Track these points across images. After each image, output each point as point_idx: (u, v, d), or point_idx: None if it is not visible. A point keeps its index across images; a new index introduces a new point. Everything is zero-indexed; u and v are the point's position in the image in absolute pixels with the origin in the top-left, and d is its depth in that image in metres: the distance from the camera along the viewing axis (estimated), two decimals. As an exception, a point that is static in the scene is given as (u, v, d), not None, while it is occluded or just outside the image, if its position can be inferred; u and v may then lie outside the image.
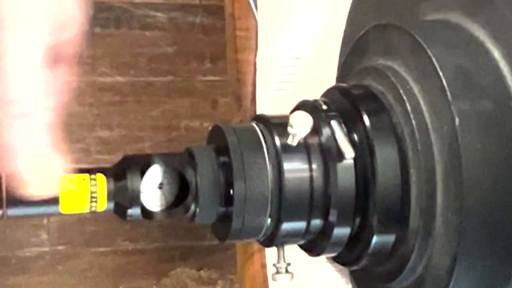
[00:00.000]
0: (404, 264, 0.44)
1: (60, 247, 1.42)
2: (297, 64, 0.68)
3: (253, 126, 0.45)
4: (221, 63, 1.46)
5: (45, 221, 1.38)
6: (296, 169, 0.44)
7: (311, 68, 0.67)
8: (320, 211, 0.44)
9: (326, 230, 0.45)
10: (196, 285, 1.43)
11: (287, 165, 0.44)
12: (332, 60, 0.60)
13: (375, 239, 0.44)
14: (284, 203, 0.44)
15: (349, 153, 0.43)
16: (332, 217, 0.44)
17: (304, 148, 0.44)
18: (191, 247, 1.46)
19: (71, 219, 1.38)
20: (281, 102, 0.67)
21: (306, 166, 0.44)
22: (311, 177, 0.44)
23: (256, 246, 0.66)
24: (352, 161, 0.44)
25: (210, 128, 0.46)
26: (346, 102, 0.46)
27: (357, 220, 0.44)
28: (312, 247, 0.47)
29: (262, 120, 0.46)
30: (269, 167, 0.44)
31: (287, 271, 0.46)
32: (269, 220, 0.44)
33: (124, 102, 1.47)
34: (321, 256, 0.47)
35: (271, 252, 0.57)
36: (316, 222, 0.45)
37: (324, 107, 0.46)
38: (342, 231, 0.45)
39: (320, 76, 0.62)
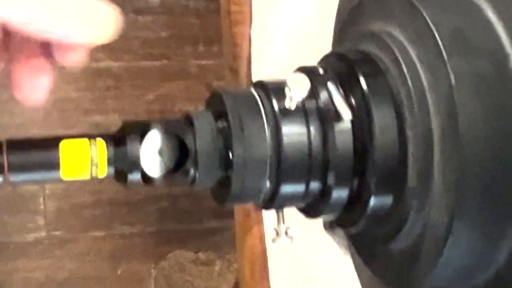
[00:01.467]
0: (402, 225, 0.45)
1: (57, 232, 1.43)
2: (292, 37, 0.69)
3: (251, 91, 0.46)
4: (215, 46, 1.46)
5: (42, 206, 1.38)
6: (294, 132, 0.45)
7: (306, 41, 0.68)
8: (318, 173, 0.45)
9: (325, 192, 0.45)
10: (194, 266, 1.44)
11: (285, 129, 0.44)
12: (328, 32, 0.60)
13: (373, 200, 0.45)
14: (283, 166, 0.44)
15: (346, 114, 0.44)
16: (331, 179, 0.45)
17: (302, 112, 0.45)
18: (189, 229, 1.46)
19: (68, 205, 1.38)
20: (276, 75, 0.68)
21: (304, 129, 0.45)
22: (309, 140, 0.44)
23: (255, 219, 0.67)
24: (349, 123, 0.44)
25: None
26: (343, 66, 0.46)
27: (355, 182, 0.45)
28: (311, 209, 0.47)
29: (260, 85, 0.46)
30: (267, 130, 0.44)
31: (287, 235, 0.46)
32: (268, 183, 0.45)
33: (119, 87, 1.48)
34: (319, 218, 0.48)
35: (269, 227, 0.58)
36: (315, 185, 0.45)
37: (321, 71, 0.46)
38: (340, 193, 0.45)
39: (316, 48, 0.63)
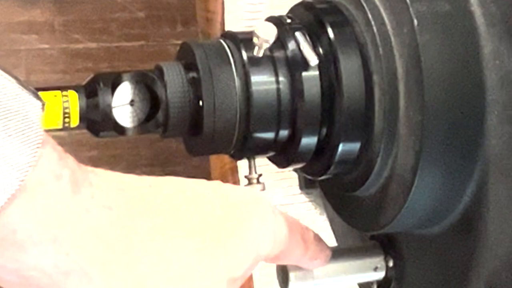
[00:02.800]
0: (370, 169, 0.46)
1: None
2: (264, 1, 0.69)
3: (220, 41, 0.46)
4: (193, 26, 1.46)
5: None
6: (263, 81, 0.45)
7: (279, 4, 0.68)
8: (287, 121, 0.46)
9: (294, 139, 0.46)
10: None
11: (254, 78, 0.45)
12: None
13: (341, 146, 0.46)
14: (252, 113, 0.45)
15: (313, 60, 0.44)
16: (299, 126, 0.45)
17: (270, 60, 0.45)
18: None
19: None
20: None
21: (272, 78, 0.45)
22: (277, 88, 0.45)
23: (229, 168, 0.68)
24: (317, 70, 0.45)
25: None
26: (310, 15, 0.47)
27: (323, 129, 0.46)
28: (281, 158, 0.48)
29: (229, 36, 0.47)
30: (236, 80, 0.45)
31: (258, 182, 0.47)
32: (237, 131, 0.45)
33: (98, 68, 1.48)
34: (289, 168, 0.49)
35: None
36: (284, 133, 0.46)
37: (289, 20, 0.47)
38: (309, 140, 0.46)
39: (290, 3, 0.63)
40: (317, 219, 0.68)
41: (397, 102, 0.44)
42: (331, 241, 0.60)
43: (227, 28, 0.67)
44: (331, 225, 0.59)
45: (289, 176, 0.67)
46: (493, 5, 0.42)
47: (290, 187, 0.67)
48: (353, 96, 0.45)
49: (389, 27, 0.44)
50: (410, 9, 0.42)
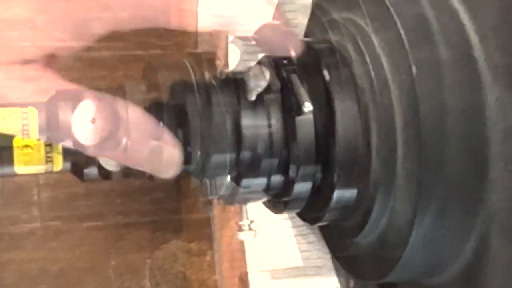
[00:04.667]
0: (367, 218, 0.44)
1: (52, 223, 1.42)
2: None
3: (212, 82, 0.45)
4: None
5: (36, 197, 1.38)
6: (254, 125, 0.44)
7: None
8: (280, 166, 0.44)
9: (287, 186, 0.44)
10: (188, 257, 1.43)
11: (246, 121, 0.43)
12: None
13: (336, 193, 0.44)
14: (243, 159, 0.43)
15: (307, 106, 0.42)
16: (292, 173, 0.44)
17: (262, 104, 0.43)
18: (183, 220, 1.46)
19: (62, 195, 1.37)
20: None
21: (264, 122, 0.43)
22: (270, 133, 0.43)
23: (232, 212, 0.66)
24: (311, 115, 0.43)
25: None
26: (307, 56, 0.45)
27: (318, 175, 0.44)
28: (275, 204, 0.46)
29: (221, 76, 0.45)
30: (228, 123, 0.43)
31: (250, 229, 0.46)
32: (229, 177, 0.44)
33: (113, 76, 1.47)
34: (284, 213, 0.47)
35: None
36: (277, 178, 0.44)
37: (285, 61, 0.45)
38: (303, 187, 0.44)
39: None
40: (318, 247, 0.67)
41: (395, 151, 0.41)
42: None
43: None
44: (333, 262, 0.57)
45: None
46: (498, 53, 0.40)
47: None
48: (349, 143, 0.43)
49: (388, 73, 0.42)
50: (409, 55, 0.40)
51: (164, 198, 1.43)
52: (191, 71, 0.44)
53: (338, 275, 0.56)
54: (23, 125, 0.41)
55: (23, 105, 0.42)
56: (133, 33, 1.42)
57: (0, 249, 1.41)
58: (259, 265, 0.64)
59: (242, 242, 0.66)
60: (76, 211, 1.42)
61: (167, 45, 1.47)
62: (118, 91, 0.44)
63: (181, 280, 1.45)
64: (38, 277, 1.41)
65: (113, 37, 1.41)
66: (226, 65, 0.67)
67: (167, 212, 1.44)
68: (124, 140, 0.42)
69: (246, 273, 0.65)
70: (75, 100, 0.42)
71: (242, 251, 0.65)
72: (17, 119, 0.41)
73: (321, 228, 0.50)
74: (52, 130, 0.42)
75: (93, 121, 0.42)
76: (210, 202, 0.72)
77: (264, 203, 0.47)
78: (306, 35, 0.54)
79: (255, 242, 0.66)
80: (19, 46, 0.44)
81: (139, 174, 0.43)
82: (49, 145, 0.42)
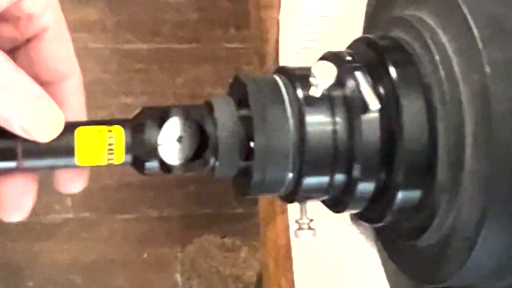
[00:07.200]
0: (431, 220, 0.43)
1: (85, 214, 1.42)
2: (322, 22, 0.66)
3: (274, 77, 0.44)
4: (245, 30, 1.44)
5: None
6: (318, 122, 0.43)
7: (336, 26, 0.65)
8: (343, 165, 0.43)
9: (350, 185, 0.43)
10: (220, 252, 1.42)
11: (310, 118, 0.42)
12: (358, 17, 0.58)
13: (400, 194, 0.43)
14: (306, 157, 0.42)
15: (374, 104, 0.42)
16: (356, 172, 0.43)
17: (327, 100, 0.43)
18: (216, 214, 1.45)
19: (95, 187, 1.37)
20: (304, 61, 0.66)
21: (329, 119, 0.43)
22: (334, 130, 0.43)
23: (279, 208, 0.65)
24: (377, 114, 0.42)
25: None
26: (372, 53, 0.44)
27: (382, 175, 0.43)
28: (336, 203, 0.45)
29: (284, 71, 0.44)
30: (291, 119, 0.42)
31: (309, 228, 0.45)
32: (290, 175, 0.43)
33: (148, 70, 1.46)
34: (344, 213, 0.46)
35: (294, 215, 0.56)
36: (340, 177, 0.43)
37: (349, 58, 0.44)
38: (366, 187, 0.43)
39: (346, 34, 0.61)
40: (368, 252, 0.65)
41: (463, 153, 0.40)
42: (383, 280, 0.57)
43: (281, 50, 0.64)
44: (383, 265, 0.56)
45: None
46: None
47: (340, 217, 0.64)
48: (415, 143, 0.42)
49: (457, 72, 0.41)
50: (482, 54, 0.39)
51: (196, 191, 1.43)
52: (281, 86, 0.43)
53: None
54: (109, 144, 0.41)
55: (108, 123, 0.41)
56: (168, 27, 1.43)
57: (32, 238, 1.41)
58: (305, 264, 0.64)
59: (288, 240, 0.65)
60: (108, 203, 1.42)
61: (202, 38, 1.46)
62: (205, 107, 0.43)
63: (213, 275, 1.44)
64: (70, 267, 1.41)
65: (148, 30, 1.41)
66: (277, 60, 0.67)
67: (200, 206, 1.44)
68: (212, 160, 0.41)
69: (291, 272, 0.64)
70: (162, 118, 0.41)
71: (288, 249, 0.64)
72: (102, 137, 0.40)
73: (378, 230, 0.50)
74: (138, 149, 0.41)
75: (179, 139, 0.42)
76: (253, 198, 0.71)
77: (323, 202, 0.46)
78: (365, 31, 0.53)
79: (302, 242, 0.65)
80: None
81: (201, 169, 0.43)
82: (111, 137, 0.41)
